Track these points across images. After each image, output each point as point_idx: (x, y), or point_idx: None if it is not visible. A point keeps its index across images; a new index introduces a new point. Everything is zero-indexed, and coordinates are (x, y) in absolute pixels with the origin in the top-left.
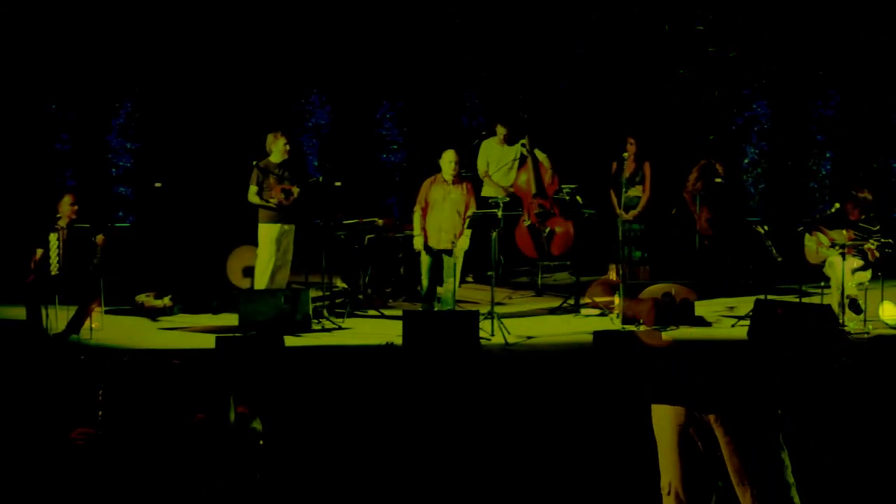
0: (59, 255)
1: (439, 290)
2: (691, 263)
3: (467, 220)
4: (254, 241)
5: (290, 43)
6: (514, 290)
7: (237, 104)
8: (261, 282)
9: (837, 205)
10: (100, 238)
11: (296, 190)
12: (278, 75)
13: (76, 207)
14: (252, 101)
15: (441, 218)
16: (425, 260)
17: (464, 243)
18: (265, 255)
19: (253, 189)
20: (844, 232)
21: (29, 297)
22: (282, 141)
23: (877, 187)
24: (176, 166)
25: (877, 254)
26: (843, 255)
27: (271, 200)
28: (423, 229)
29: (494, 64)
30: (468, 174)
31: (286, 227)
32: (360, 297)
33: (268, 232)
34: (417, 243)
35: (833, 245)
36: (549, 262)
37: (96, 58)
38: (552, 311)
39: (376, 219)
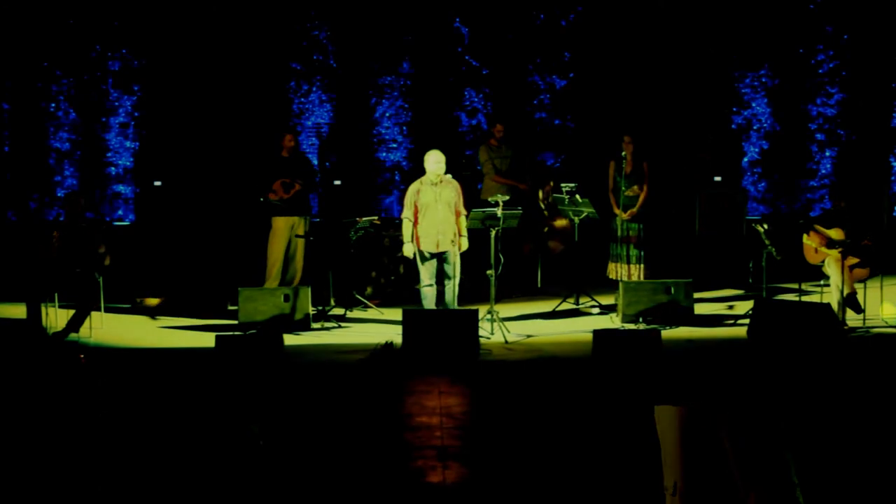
0: (57, 253)
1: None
2: (690, 262)
3: (463, 219)
4: (252, 239)
5: (290, 41)
6: (513, 289)
7: (237, 103)
8: (269, 274)
9: (840, 203)
10: (95, 236)
11: (297, 184)
12: (278, 74)
13: (79, 208)
14: (251, 99)
15: (437, 220)
16: (429, 266)
17: (464, 245)
18: (271, 248)
19: (263, 185)
20: (842, 230)
21: (29, 294)
22: (286, 138)
23: (876, 185)
24: (175, 165)
25: (874, 250)
26: (842, 253)
27: (271, 195)
28: (417, 237)
29: (494, 62)
30: (467, 173)
31: (294, 220)
32: (357, 293)
33: (273, 224)
34: (408, 250)
35: (831, 243)
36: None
37: (96, 56)
38: (552, 311)
39: (375, 217)
